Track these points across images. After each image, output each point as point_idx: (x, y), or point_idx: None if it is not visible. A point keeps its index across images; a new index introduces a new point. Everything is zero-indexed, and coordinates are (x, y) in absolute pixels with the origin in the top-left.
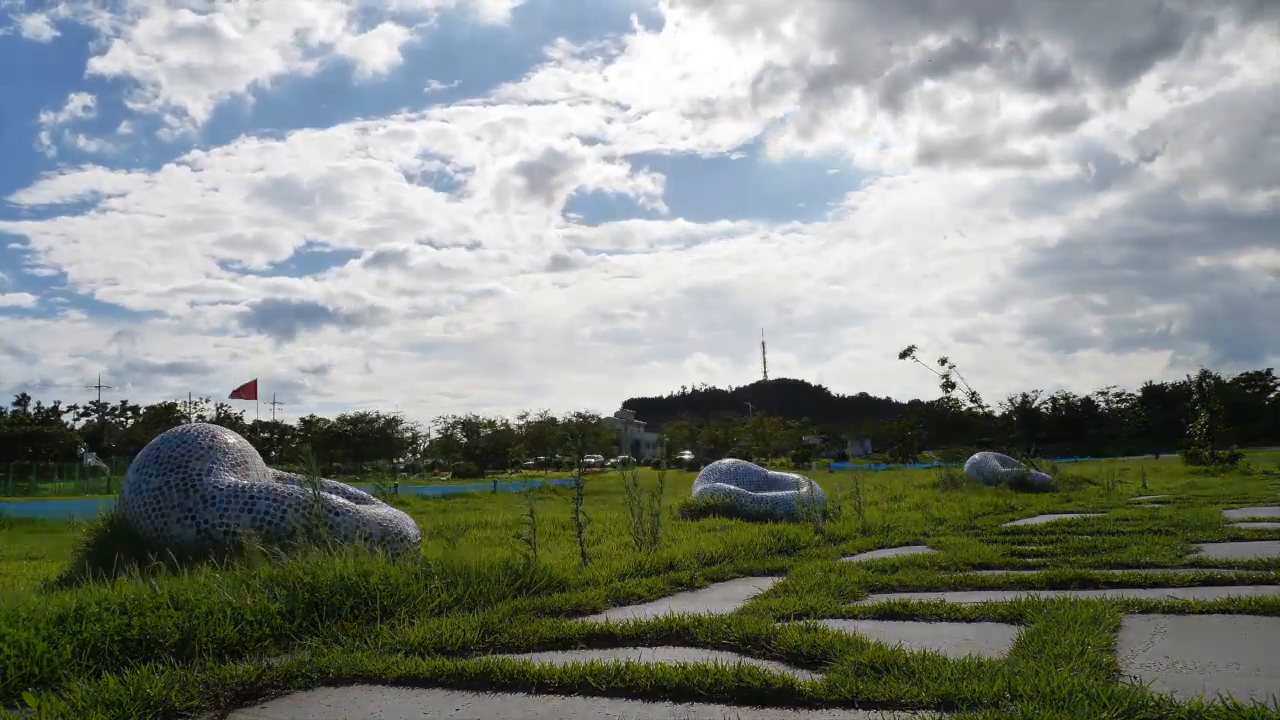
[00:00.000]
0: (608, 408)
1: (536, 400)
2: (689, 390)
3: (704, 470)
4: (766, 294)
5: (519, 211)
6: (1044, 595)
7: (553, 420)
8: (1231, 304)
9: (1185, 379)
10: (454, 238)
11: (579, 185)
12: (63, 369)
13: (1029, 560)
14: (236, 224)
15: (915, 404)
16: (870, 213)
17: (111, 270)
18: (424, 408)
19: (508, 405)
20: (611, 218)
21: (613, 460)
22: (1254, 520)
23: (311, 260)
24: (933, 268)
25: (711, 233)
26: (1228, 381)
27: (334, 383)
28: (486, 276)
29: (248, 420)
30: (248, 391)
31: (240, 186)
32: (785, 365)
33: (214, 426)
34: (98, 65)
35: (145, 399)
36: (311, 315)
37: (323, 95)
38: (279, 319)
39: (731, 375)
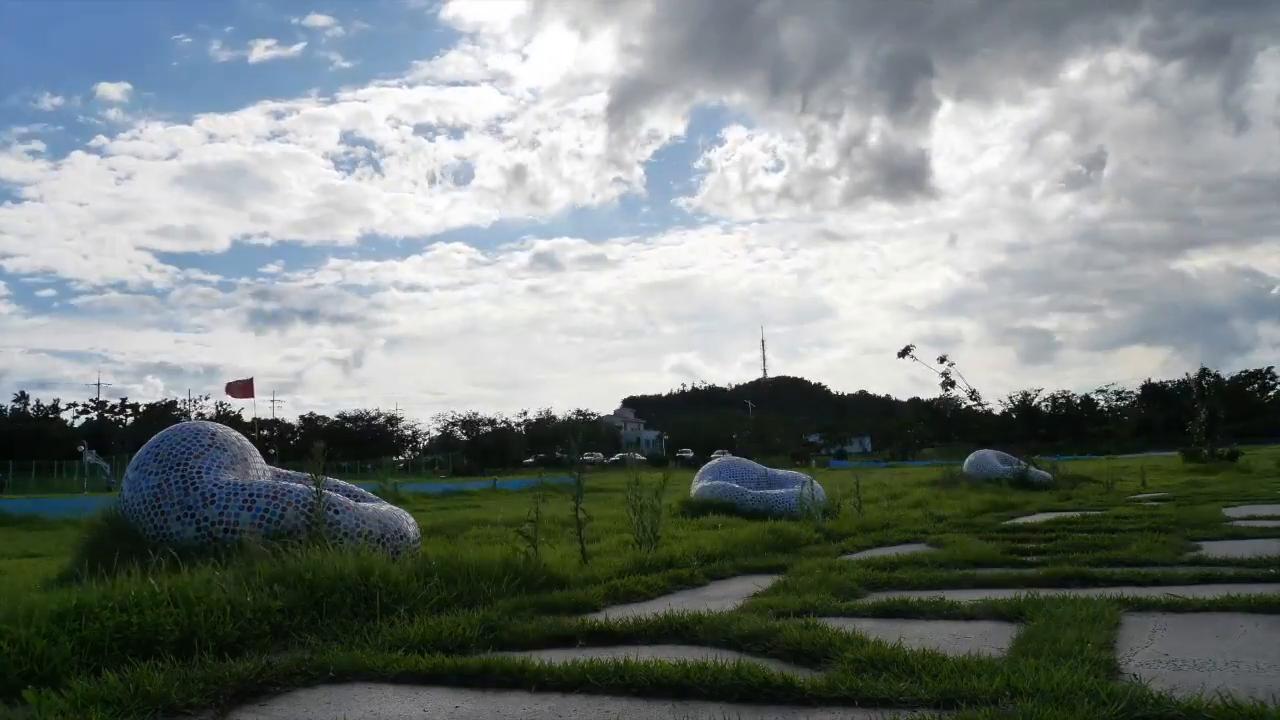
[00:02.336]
0: (606, 406)
1: (514, 397)
2: (688, 388)
3: (704, 468)
4: (735, 288)
5: (458, 199)
6: (1043, 593)
7: (552, 418)
8: (1207, 302)
9: (1184, 377)
10: (400, 230)
11: (517, 171)
12: (20, 368)
13: (1028, 558)
14: (166, 214)
15: (915, 402)
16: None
17: (48, 262)
18: (402, 404)
19: (486, 402)
20: (559, 209)
21: (613, 458)
22: (1253, 518)
23: (256, 252)
24: (901, 261)
25: (669, 227)
26: (1227, 379)
27: (309, 380)
28: (439, 270)
29: (246, 418)
30: (244, 389)
31: (157, 174)
32: (761, 361)
33: (213, 424)
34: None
35: (99, 396)
36: (272, 310)
37: (222, 76)
38: (240, 315)
39: (713, 371)
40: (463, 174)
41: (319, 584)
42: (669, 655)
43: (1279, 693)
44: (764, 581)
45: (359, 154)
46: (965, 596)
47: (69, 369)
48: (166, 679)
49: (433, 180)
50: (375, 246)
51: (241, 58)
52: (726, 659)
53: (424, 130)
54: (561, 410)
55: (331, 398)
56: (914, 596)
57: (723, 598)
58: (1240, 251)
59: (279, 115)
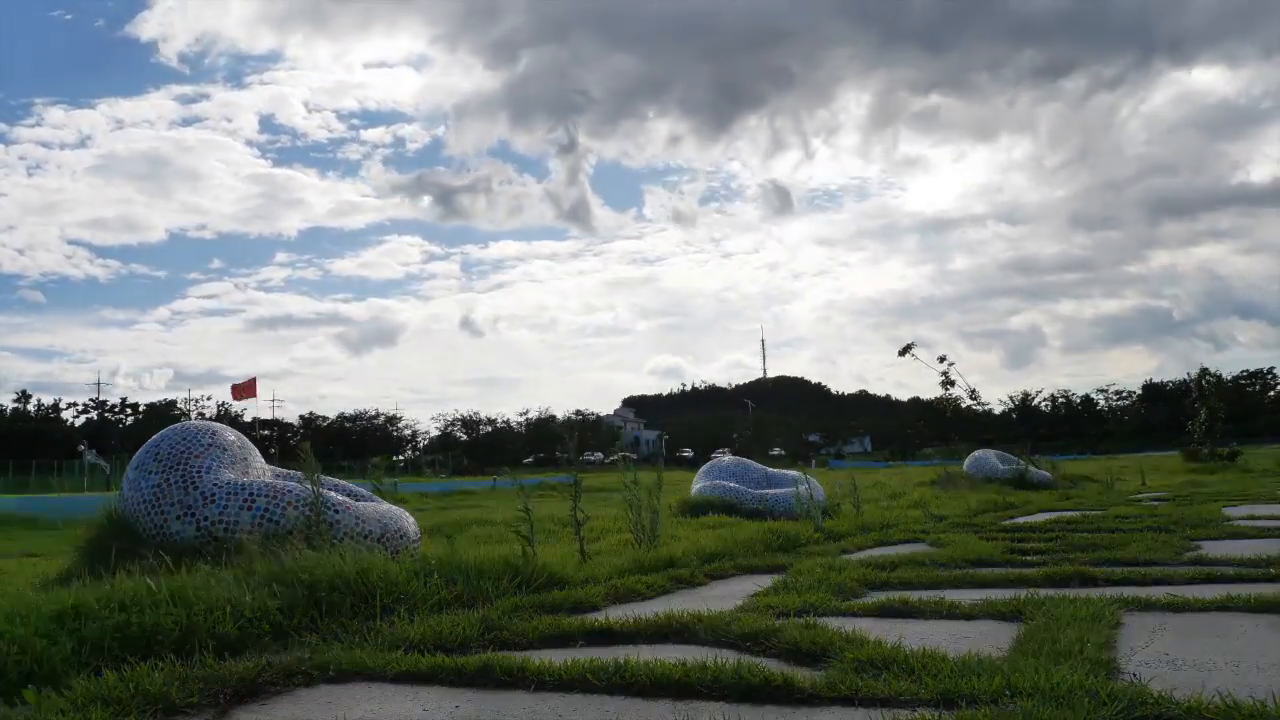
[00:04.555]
0: (606, 405)
1: (491, 394)
2: (688, 388)
3: (704, 468)
4: (706, 283)
5: (397, 188)
6: (1043, 593)
7: (553, 418)
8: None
9: (1185, 376)
10: (343, 222)
11: (455, 158)
12: None
13: (1028, 557)
14: (93, 205)
15: (915, 401)
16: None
17: None
18: (382, 401)
19: (464, 400)
20: (504, 205)
21: (613, 458)
22: (1253, 518)
23: (197, 246)
24: (853, 260)
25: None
26: (1228, 379)
27: (283, 377)
28: (394, 265)
29: (247, 418)
30: (248, 390)
31: (70, 163)
32: (742, 363)
33: (213, 424)
34: None
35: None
36: (231, 306)
37: (116, 57)
38: (200, 311)
39: (693, 367)
40: (396, 162)
41: (319, 583)
42: (669, 655)
43: (1279, 693)
44: (764, 581)
45: (284, 142)
46: (965, 596)
47: (30, 367)
48: (166, 678)
49: (367, 169)
50: (323, 240)
51: (131, 37)
52: (727, 658)
53: (348, 117)
54: (562, 410)
55: (308, 395)
56: (914, 596)
57: (723, 597)
58: (1188, 253)
59: (187, 100)
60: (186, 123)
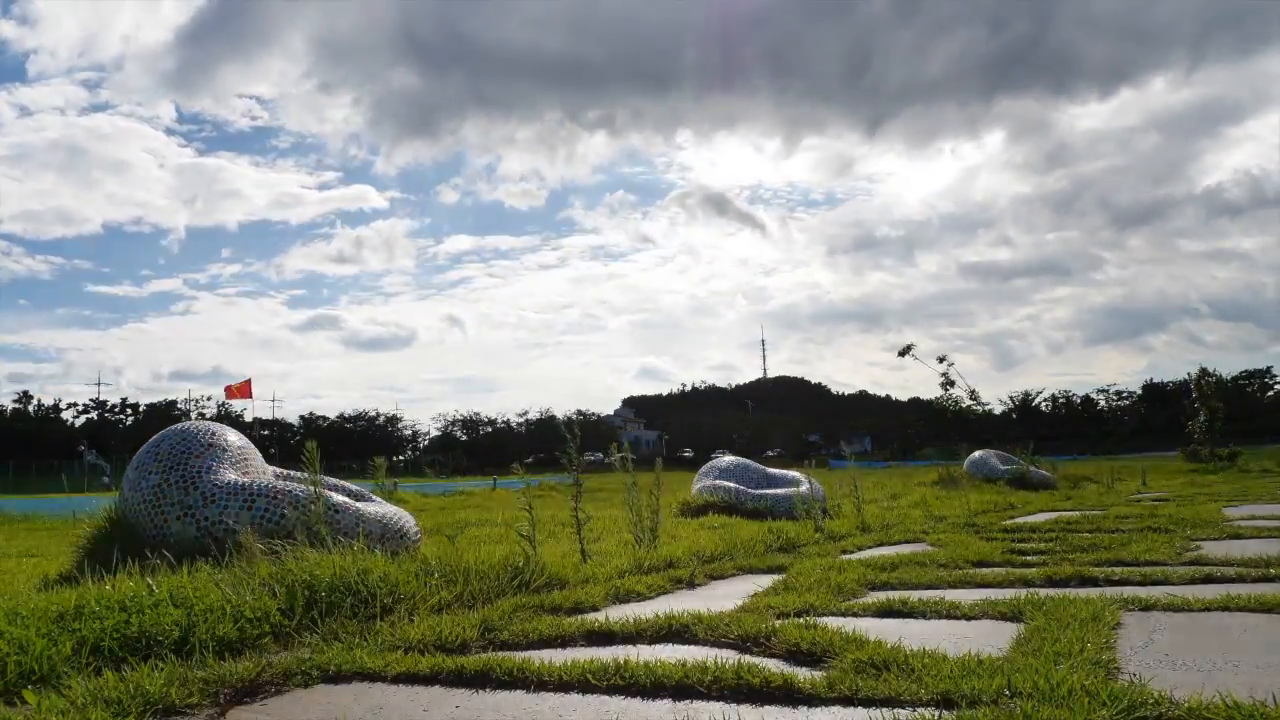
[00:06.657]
0: (606, 405)
1: (476, 396)
2: (689, 388)
3: (703, 468)
4: (669, 283)
5: (337, 180)
6: (1043, 593)
7: (553, 418)
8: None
9: (1185, 376)
10: (286, 215)
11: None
12: None
13: (1028, 558)
14: (15, 199)
15: (915, 401)
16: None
17: None
18: (369, 402)
19: (448, 399)
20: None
21: (614, 457)
22: (1253, 518)
23: (137, 240)
24: (822, 263)
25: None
26: (1227, 379)
27: (259, 379)
28: (354, 261)
29: (248, 418)
30: (242, 390)
31: None
32: (733, 367)
33: (214, 424)
34: None
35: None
36: (193, 303)
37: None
38: (161, 308)
39: (683, 371)
40: (334, 153)
41: (318, 584)
42: (669, 655)
43: (1279, 693)
44: (764, 581)
45: (208, 131)
46: (965, 596)
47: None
48: (166, 679)
49: (303, 160)
50: (268, 233)
51: (12, 17)
52: (726, 658)
53: (270, 104)
54: (563, 410)
55: (303, 394)
56: (914, 596)
57: (723, 597)
58: (1165, 254)
59: (91, 85)
60: (96, 109)
